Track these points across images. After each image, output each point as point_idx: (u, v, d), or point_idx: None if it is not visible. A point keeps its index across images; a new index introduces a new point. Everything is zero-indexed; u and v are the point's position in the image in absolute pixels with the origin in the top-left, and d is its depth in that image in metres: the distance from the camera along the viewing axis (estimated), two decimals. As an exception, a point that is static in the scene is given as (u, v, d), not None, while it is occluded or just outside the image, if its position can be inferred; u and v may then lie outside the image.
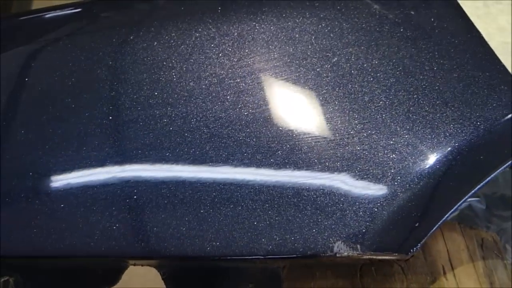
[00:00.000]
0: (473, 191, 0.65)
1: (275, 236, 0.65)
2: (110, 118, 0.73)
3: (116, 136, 0.72)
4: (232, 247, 0.65)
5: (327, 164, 0.68)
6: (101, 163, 0.70)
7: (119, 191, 0.68)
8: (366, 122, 0.70)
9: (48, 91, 0.78)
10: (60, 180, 0.70)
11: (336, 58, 0.77)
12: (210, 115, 0.72)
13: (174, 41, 0.79)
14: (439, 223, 0.63)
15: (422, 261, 0.75)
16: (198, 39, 0.79)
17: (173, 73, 0.76)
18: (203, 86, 0.75)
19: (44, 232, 0.67)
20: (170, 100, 0.74)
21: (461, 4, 0.80)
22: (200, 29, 0.80)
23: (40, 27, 0.90)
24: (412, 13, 0.80)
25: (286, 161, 0.69)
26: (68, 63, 0.79)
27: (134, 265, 0.72)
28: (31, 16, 0.95)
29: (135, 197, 0.68)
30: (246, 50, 0.78)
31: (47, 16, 0.91)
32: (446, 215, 0.64)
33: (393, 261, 0.74)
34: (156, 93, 0.75)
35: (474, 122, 0.69)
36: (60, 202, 0.68)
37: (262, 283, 0.73)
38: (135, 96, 0.75)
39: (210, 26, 0.81)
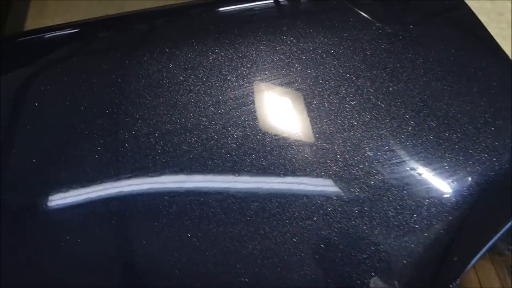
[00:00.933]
0: (510, 222, 0.63)
1: (307, 272, 0.62)
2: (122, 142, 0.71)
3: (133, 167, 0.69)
4: (261, 283, 0.62)
5: (357, 194, 0.65)
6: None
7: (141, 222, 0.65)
8: (398, 149, 0.68)
9: (58, 115, 0.75)
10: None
11: (360, 81, 0.75)
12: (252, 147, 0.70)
13: (186, 63, 0.77)
14: (477, 257, 0.61)
15: (454, 292, 0.72)
16: (217, 60, 0.77)
17: (190, 95, 0.74)
18: (233, 110, 0.72)
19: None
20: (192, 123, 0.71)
21: (486, 26, 0.79)
22: (218, 51, 0.78)
23: (40, 48, 0.87)
24: (437, 34, 0.79)
25: (313, 190, 0.66)
26: (74, 85, 0.77)
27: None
28: (29, 37, 0.92)
29: (155, 230, 0.65)
30: (267, 72, 0.76)
31: (47, 36, 0.88)
32: (485, 248, 0.61)
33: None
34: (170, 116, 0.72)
35: (508, 149, 0.67)
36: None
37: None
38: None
39: (228, 48, 0.79)
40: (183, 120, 0.72)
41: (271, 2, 0.89)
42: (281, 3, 0.90)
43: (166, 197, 0.65)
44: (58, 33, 0.88)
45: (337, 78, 0.75)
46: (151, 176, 0.67)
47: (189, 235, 0.64)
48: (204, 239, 0.63)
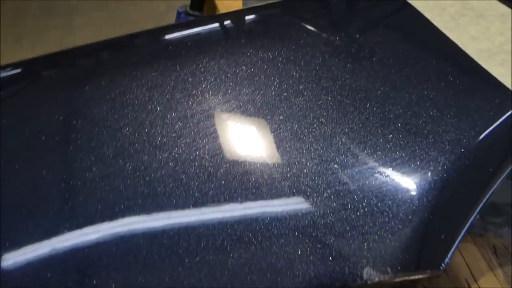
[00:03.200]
0: (488, 195, 0.64)
1: (296, 272, 0.59)
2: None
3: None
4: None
5: (337, 187, 0.64)
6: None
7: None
8: (370, 140, 0.68)
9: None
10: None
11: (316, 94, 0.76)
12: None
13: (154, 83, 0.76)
14: (464, 231, 0.61)
15: (445, 278, 0.72)
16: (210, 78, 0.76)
17: (162, 119, 0.72)
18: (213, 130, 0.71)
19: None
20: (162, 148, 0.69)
21: (432, 20, 0.83)
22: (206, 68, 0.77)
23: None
24: (387, 36, 0.82)
25: (294, 190, 0.65)
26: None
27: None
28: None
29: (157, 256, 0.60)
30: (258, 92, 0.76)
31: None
32: (469, 221, 0.62)
33: (416, 283, 0.71)
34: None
35: (474, 126, 0.69)
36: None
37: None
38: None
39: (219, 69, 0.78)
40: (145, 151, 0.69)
41: (218, 26, 0.91)
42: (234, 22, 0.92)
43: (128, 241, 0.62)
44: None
45: (295, 94, 0.76)
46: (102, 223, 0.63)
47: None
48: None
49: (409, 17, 0.87)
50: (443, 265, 0.58)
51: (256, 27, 0.91)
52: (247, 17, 0.94)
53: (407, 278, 0.59)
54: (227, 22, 0.92)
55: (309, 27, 0.87)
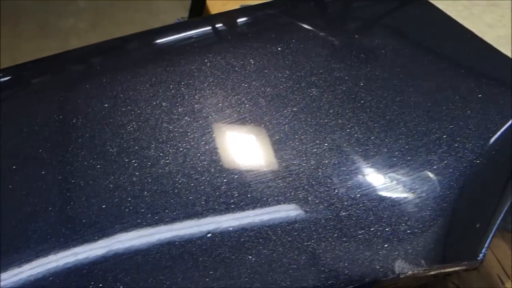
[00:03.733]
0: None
1: (322, 269, 0.55)
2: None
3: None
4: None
5: (360, 178, 0.60)
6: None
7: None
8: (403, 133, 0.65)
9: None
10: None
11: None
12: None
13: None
14: (499, 220, 0.57)
15: (476, 275, 0.67)
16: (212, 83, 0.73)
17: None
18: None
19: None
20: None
21: (445, 11, 0.81)
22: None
23: None
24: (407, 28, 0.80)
25: (319, 182, 0.61)
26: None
27: None
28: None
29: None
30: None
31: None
32: (503, 211, 0.58)
33: (447, 280, 0.66)
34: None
35: (501, 112, 0.66)
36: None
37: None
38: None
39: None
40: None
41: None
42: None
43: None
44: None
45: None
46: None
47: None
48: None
49: (422, 8, 0.85)
50: (480, 255, 0.54)
51: (264, 23, 0.88)
52: (252, 14, 0.92)
53: (442, 270, 0.55)
54: (232, 19, 0.89)
55: (318, 20, 0.84)
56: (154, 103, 0.70)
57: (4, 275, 0.53)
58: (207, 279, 0.53)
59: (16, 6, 2.85)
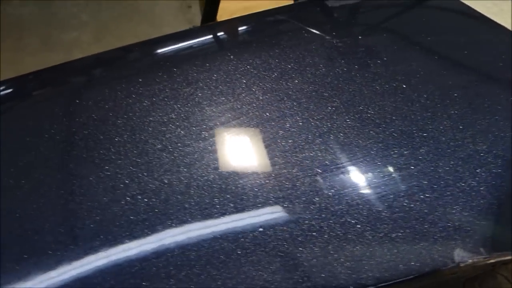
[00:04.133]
0: None
1: (378, 260, 0.54)
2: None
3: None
4: (332, 283, 0.53)
5: (411, 168, 0.60)
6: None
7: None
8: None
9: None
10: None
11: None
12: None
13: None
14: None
15: (521, 268, 0.66)
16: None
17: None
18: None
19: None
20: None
21: (475, 8, 0.83)
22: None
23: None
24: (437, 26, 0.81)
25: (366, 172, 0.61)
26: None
27: None
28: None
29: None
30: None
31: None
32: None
33: (495, 272, 0.65)
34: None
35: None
36: None
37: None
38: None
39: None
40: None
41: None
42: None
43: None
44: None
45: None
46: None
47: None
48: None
49: (451, 5, 0.86)
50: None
51: (291, 23, 0.89)
52: (277, 15, 0.92)
53: (503, 258, 0.54)
54: (253, 23, 0.90)
55: (342, 20, 0.85)
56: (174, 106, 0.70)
57: (52, 273, 0.52)
58: (264, 275, 0.52)
59: (19, 20, 2.85)
